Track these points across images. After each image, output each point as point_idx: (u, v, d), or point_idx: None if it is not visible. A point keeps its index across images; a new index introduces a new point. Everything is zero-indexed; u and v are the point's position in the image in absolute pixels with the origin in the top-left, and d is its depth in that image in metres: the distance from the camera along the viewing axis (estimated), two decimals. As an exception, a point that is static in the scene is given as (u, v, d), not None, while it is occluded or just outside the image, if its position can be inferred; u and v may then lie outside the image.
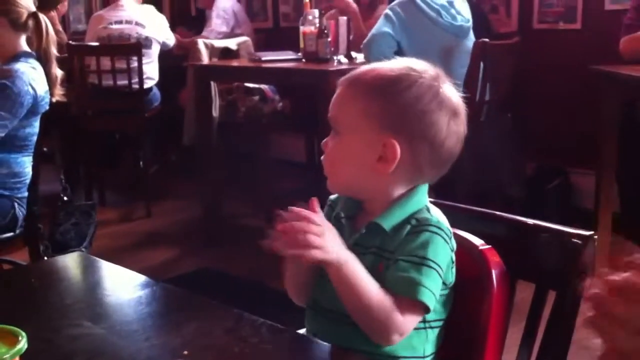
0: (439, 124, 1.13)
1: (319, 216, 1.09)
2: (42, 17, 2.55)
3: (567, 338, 1.15)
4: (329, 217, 1.23)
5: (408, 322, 1.08)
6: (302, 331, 1.21)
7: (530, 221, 1.22)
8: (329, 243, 1.06)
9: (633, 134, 3.09)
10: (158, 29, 4.69)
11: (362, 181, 1.16)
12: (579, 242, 1.13)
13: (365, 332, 1.09)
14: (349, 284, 1.06)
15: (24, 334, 0.82)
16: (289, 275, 1.22)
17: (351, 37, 3.89)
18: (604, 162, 3.21)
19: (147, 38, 4.55)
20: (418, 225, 1.12)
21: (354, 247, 1.13)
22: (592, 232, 1.15)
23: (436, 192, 1.27)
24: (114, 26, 4.57)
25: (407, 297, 1.07)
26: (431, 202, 1.20)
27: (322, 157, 1.20)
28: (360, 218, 1.19)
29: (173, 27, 5.16)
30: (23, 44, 2.57)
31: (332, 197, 1.27)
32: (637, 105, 3.10)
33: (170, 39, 4.82)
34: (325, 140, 1.19)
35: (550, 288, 1.17)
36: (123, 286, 1.30)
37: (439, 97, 1.13)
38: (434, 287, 1.08)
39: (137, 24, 4.59)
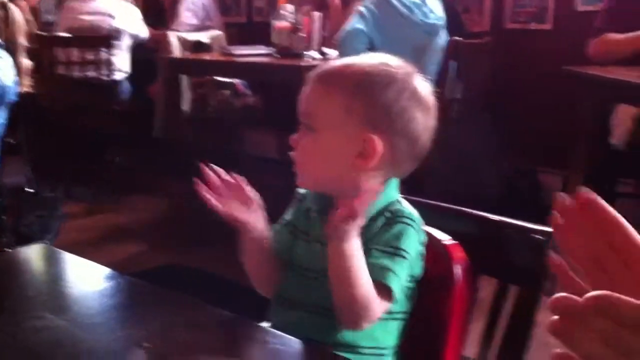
0: (416, 120, 1.15)
1: None
2: (12, 6, 2.52)
3: (528, 333, 1.17)
4: (298, 211, 1.24)
5: (380, 307, 1.10)
6: (267, 324, 1.20)
7: (495, 217, 1.23)
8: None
9: (601, 132, 3.13)
10: (130, 21, 4.64)
11: (338, 177, 1.16)
12: (543, 238, 1.15)
13: (340, 314, 1.10)
14: (346, 262, 1.06)
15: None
16: (252, 267, 1.22)
17: (325, 33, 3.89)
18: (573, 163, 3.25)
19: (118, 30, 4.50)
20: (392, 217, 1.14)
21: (326, 241, 1.14)
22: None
23: (407, 189, 1.27)
24: (85, 17, 4.52)
25: (377, 281, 1.09)
26: (401, 197, 1.21)
27: (291, 153, 1.19)
28: (330, 210, 1.19)
29: (147, 21, 5.11)
30: (-10, 34, 2.54)
31: (301, 191, 1.26)
32: (609, 107, 3.14)
33: (143, 32, 4.77)
34: (294, 136, 1.18)
35: (514, 283, 1.19)
36: (86, 278, 1.29)
37: (416, 94, 1.15)
38: (402, 275, 1.11)
39: (108, 15, 4.54)
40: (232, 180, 1.17)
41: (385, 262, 1.10)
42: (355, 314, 1.09)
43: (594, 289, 0.56)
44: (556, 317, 0.58)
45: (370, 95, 1.13)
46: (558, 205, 0.65)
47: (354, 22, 3.44)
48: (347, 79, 1.14)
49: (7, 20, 2.48)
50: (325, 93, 1.15)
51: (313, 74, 1.19)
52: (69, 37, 4.38)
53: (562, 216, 0.65)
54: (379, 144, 1.12)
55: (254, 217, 1.17)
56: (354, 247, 1.07)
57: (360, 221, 1.06)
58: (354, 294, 1.07)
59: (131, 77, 4.63)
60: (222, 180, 1.17)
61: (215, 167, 1.17)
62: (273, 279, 1.22)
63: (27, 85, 2.53)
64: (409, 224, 1.13)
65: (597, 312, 0.56)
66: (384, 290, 1.09)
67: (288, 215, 1.26)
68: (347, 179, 1.14)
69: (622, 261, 0.63)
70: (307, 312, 1.16)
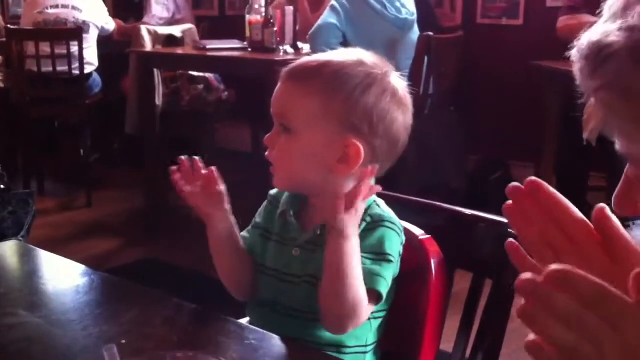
0: (397, 121, 1.14)
1: None
2: None
3: (503, 326, 1.18)
4: (270, 213, 1.23)
5: (368, 311, 1.10)
6: (244, 321, 1.20)
7: (468, 211, 1.24)
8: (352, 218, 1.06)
9: (572, 128, 3.17)
10: (96, 13, 4.58)
11: (316, 179, 1.13)
12: (514, 231, 1.16)
13: (325, 316, 1.08)
14: (343, 261, 1.04)
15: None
16: (226, 272, 1.21)
17: (297, 27, 3.88)
18: (543, 156, 3.29)
19: (84, 22, 4.44)
20: (372, 222, 1.13)
21: (306, 244, 1.14)
22: (527, 222, 1.17)
23: (379, 184, 1.28)
24: (50, 10, 4.46)
25: (367, 287, 1.08)
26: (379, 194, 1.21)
27: (267, 154, 1.16)
28: (308, 214, 1.19)
29: (115, 14, 5.06)
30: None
31: (273, 192, 1.24)
32: (576, 102, 3.17)
33: (110, 24, 4.72)
34: (269, 136, 1.15)
35: (487, 276, 1.20)
36: (60, 275, 1.28)
37: (396, 95, 1.14)
38: (388, 278, 1.11)
39: (73, 8, 4.48)
40: (205, 172, 1.16)
41: (374, 267, 1.10)
42: (342, 316, 1.07)
43: (544, 267, 0.58)
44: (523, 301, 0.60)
45: (350, 97, 1.10)
46: (509, 192, 0.70)
47: (326, 17, 3.45)
48: (324, 79, 1.11)
49: None
50: (302, 93, 1.12)
51: (286, 71, 1.15)
52: (39, 31, 4.32)
53: (513, 201, 0.71)
54: (361, 150, 1.10)
55: (219, 211, 1.16)
56: (353, 245, 1.06)
57: (359, 218, 1.06)
58: (345, 298, 1.05)
59: (102, 71, 4.59)
60: (196, 170, 1.16)
61: (193, 157, 1.17)
62: (244, 283, 1.21)
63: (-3, 80, 2.49)
64: (390, 228, 1.13)
65: (557, 288, 0.58)
66: (372, 295, 1.09)
67: (259, 218, 1.24)
68: (326, 182, 1.13)
69: (568, 238, 0.69)
70: (284, 315, 1.15)
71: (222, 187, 1.16)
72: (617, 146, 0.67)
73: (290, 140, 1.12)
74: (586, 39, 0.64)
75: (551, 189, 0.69)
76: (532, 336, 0.61)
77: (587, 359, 0.58)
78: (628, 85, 0.61)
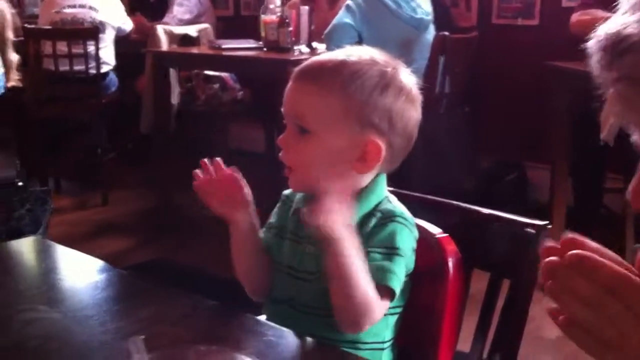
0: (413, 118, 1.15)
1: None
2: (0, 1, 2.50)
3: (520, 326, 1.18)
4: (284, 212, 1.23)
5: (381, 309, 1.09)
6: (262, 317, 1.21)
7: (485, 210, 1.24)
8: (340, 220, 1.03)
9: (586, 128, 3.15)
10: (113, 13, 4.61)
11: (334, 179, 1.11)
12: (532, 231, 1.16)
13: (340, 318, 1.08)
14: (342, 264, 1.03)
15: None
16: (246, 271, 1.21)
17: (312, 27, 3.89)
18: (558, 157, 3.27)
19: (101, 22, 4.47)
20: (383, 217, 1.13)
21: (318, 242, 1.14)
22: (545, 222, 1.17)
23: (392, 183, 1.28)
24: (67, 10, 4.48)
25: (377, 283, 1.07)
26: (390, 191, 1.21)
27: (281, 155, 1.15)
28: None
29: (131, 14, 5.08)
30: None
31: (287, 191, 1.24)
32: (590, 100, 3.15)
33: (127, 24, 4.74)
34: (282, 137, 1.14)
35: (505, 277, 1.20)
36: (78, 271, 1.29)
37: (410, 92, 1.14)
38: (400, 274, 1.10)
39: (90, 7, 4.50)
40: (228, 172, 1.16)
41: (384, 263, 1.09)
42: (354, 317, 1.07)
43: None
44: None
45: (370, 96, 1.10)
46: (544, 253, 0.65)
47: (342, 16, 3.45)
48: (343, 78, 1.10)
49: None
50: (320, 92, 1.11)
51: (300, 71, 1.14)
52: (56, 30, 4.34)
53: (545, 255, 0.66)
54: (382, 147, 1.11)
55: (242, 213, 1.16)
56: (348, 244, 1.03)
57: (347, 218, 1.03)
58: (353, 298, 1.04)
59: (118, 71, 4.61)
60: (218, 172, 1.16)
61: (214, 159, 1.17)
62: (262, 282, 1.21)
63: (15, 80, 2.50)
64: (401, 223, 1.12)
65: (576, 272, 0.59)
66: (385, 291, 1.09)
67: (273, 218, 1.24)
68: (343, 180, 1.12)
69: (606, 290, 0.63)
70: (299, 312, 1.15)
71: (247, 191, 1.16)
72: (633, 139, 0.66)
73: (308, 142, 1.11)
74: (604, 30, 0.64)
75: (586, 240, 0.65)
76: (562, 316, 0.63)
77: (609, 343, 0.60)
78: None
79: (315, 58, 1.17)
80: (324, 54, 1.18)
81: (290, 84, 1.15)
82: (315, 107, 1.11)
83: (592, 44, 0.65)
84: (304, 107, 1.12)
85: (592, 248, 0.64)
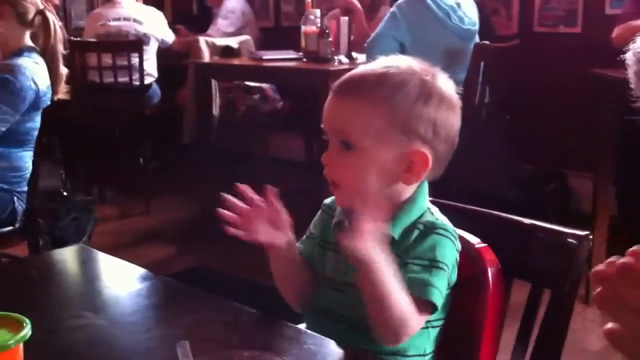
0: (455, 125, 1.15)
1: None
2: (50, 14, 2.56)
3: (561, 337, 1.17)
4: (325, 223, 1.23)
5: (419, 322, 1.09)
6: (302, 326, 1.21)
7: (527, 221, 1.23)
8: (372, 243, 1.02)
9: (631, 137, 3.10)
10: (156, 26, 4.70)
11: (382, 192, 1.12)
12: (574, 241, 1.15)
13: (378, 333, 1.07)
14: (376, 285, 1.03)
15: (28, 321, 0.83)
16: (281, 282, 1.21)
17: (352, 37, 3.90)
18: (601, 165, 3.23)
19: (145, 35, 4.56)
20: (425, 229, 1.13)
21: (353, 262, 1.14)
22: (587, 232, 1.16)
23: (432, 192, 1.28)
24: (112, 23, 4.59)
25: (418, 297, 1.07)
26: (431, 201, 1.21)
27: (326, 172, 1.13)
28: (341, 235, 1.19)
29: (174, 26, 5.17)
30: (27, 39, 2.58)
31: (327, 201, 1.24)
32: (634, 108, 3.10)
33: (169, 36, 4.82)
34: (327, 155, 1.12)
35: (546, 287, 1.19)
36: (122, 279, 1.31)
37: (451, 99, 1.14)
38: (442, 287, 1.09)
39: (135, 20, 4.60)
40: (259, 199, 1.13)
41: (424, 276, 1.08)
42: (389, 332, 1.07)
43: None
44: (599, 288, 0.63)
45: (414, 106, 1.10)
46: (595, 278, 0.65)
47: (385, 26, 3.43)
48: (387, 91, 1.09)
49: (47, 27, 2.52)
50: (363, 106, 1.10)
51: (339, 85, 1.13)
52: (101, 42, 4.44)
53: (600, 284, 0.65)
54: (429, 157, 1.11)
55: (280, 237, 1.14)
56: (382, 265, 1.03)
57: (381, 239, 1.02)
58: (388, 315, 1.04)
59: (161, 83, 4.69)
60: (248, 201, 1.13)
61: (240, 187, 1.13)
62: (303, 294, 1.21)
63: (63, 93, 2.56)
64: (444, 235, 1.12)
65: (626, 281, 0.60)
66: (426, 305, 1.08)
67: (314, 229, 1.25)
68: (390, 192, 1.13)
69: None
70: (340, 323, 1.15)
71: (282, 210, 1.14)
72: None
73: (354, 157, 1.10)
74: None
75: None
76: (609, 325, 0.63)
77: None
78: None
79: (354, 71, 1.16)
80: (362, 67, 1.17)
81: (330, 98, 1.14)
82: (360, 121, 1.10)
83: (630, 55, 0.65)
84: (348, 122, 1.11)
85: None
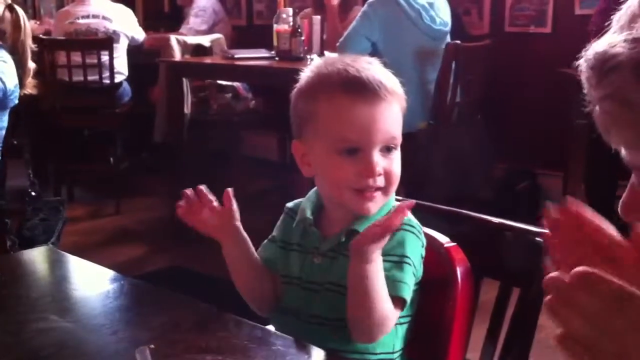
0: None
1: None
2: (19, 9, 2.52)
3: (530, 335, 1.17)
4: (287, 224, 1.23)
5: (393, 319, 1.10)
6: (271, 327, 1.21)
7: (495, 220, 1.24)
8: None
9: (600, 137, 3.14)
10: (126, 24, 4.65)
11: None
12: (543, 240, 1.15)
13: (354, 328, 1.09)
14: (369, 281, 1.05)
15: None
16: (246, 289, 1.22)
17: (325, 36, 3.90)
18: (571, 164, 3.27)
19: (114, 32, 4.51)
20: None
21: (328, 252, 1.15)
22: (555, 232, 1.16)
23: (406, 193, 1.28)
24: (81, 21, 4.53)
25: (390, 294, 1.09)
26: (397, 199, 1.21)
27: (377, 181, 1.12)
28: (327, 223, 1.20)
29: (146, 25, 5.12)
30: (-6, 36, 2.54)
31: (290, 205, 1.25)
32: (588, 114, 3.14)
33: (139, 34, 4.78)
34: (375, 162, 1.11)
35: (515, 286, 1.19)
36: (90, 280, 1.30)
37: None
38: (410, 283, 1.11)
39: (104, 18, 4.55)
40: (210, 196, 1.18)
41: (395, 273, 1.10)
42: (371, 329, 1.09)
43: None
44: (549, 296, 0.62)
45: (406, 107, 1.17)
46: (548, 220, 0.68)
47: (356, 25, 3.43)
48: (398, 92, 1.15)
49: (16, 23, 2.48)
50: (398, 107, 1.14)
51: (371, 90, 1.11)
52: (71, 40, 4.39)
53: (551, 228, 0.69)
54: None
55: (231, 231, 1.18)
56: (376, 268, 1.06)
57: (384, 243, 1.05)
58: (372, 313, 1.06)
59: (132, 81, 4.65)
60: (202, 199, 1.18)
61: (198, 187, 1.19)
62: (265, 296, 1.21)
63: (30, 87, 2.52)
64: (410, 231, 1.14)
65: (579, 287, 0.60)
66: (397, 302, 1.10)
67: (276, 232, 1.25)
68: None
69: (609, 260, 0.66)
70: (307, 323, 1.15)
71: (234, 205, 1.18)
72: (622, 155, 0.67)
73: (398, 157, 1.15)
74: (593, 49, 0.65)
75: (589, 213, 0.67)
76: (559, 330, 0.63)
77: (611, 358, 0.60)
78: (630, 97, 0.62)
79: (366, 73, 1.13)
80: (362, 66, 1.14)
81: (357, 103, 1.11)
82: (399, 122, 1.14)
83: (582, 62, 0.66)
84: (396, 126, 1.14)
85: (590, 218, 0.66)
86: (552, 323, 0.63)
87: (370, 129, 1.11)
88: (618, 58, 0.62)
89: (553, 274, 0.63)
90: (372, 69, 1.14)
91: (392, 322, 1.10)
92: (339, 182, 1.13)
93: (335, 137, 1.11)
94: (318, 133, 1.14)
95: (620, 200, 0.71)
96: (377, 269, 1.06)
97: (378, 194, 1.13)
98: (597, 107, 0.67)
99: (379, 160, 1.11)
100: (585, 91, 0.68)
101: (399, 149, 1.15)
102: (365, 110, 1.11)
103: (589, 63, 0.65)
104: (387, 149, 1.13)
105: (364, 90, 1.11)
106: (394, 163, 1.14)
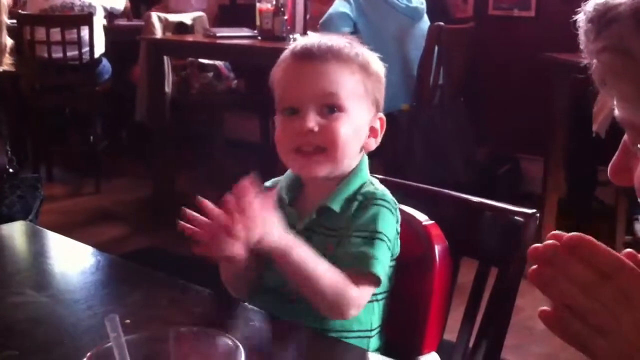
0: None
1: (259, 201, 1.01)
2: None
3: (507, 315, 1.18)
4: None
5: (364, 294, 1.09)
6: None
7: (475, 199, 1.24)
8: (274, 230, 1.02)
9: (582, 122, 3.15)
10: None
11: (352, 159, 1.16)
12: (522, 219, 1.16)
13: (321, 311, 1.08)
14: (299, 269, 1.04)
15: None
16: (229, 282, 1.19)
17: (308, 16, 3.87)
18: (552, 149, 3.28)
19: (90, 5, 4.43)
20: (364, 200, 1.14)
21: (304, 231, 1.14)
22: (534, 210, 1.17)
23: (387, 173, 1.27)
24: None
25: (361, 270, 1.08)
26: (378, 178, 1.21)
27: (311, 138, 1.11)
28: (303, 201, 1.19)
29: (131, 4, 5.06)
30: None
31: (268, 183, 1.23)
32: (586, 94, 3.16)
33: (118, 4, 4.71)
34: (309, 119, 1.10)
35: (493, 265, 1.20)
36: (67, 256, 1.29)
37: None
38: (384, 259, 1.10)
39: None
40: (218, 211, 1.03)
41: (366, 248, 1.09)
42: (332, 309, 1.08)
43: None
44: (535, 266, 0.61)
45: (378, 76, 1.17)
46: (531, 256, 0.64)
47: (337, 5, 3.43)
48: (360, 60, 1.15)
49: None
50: (345, 71, 1.14)
51: (310, 50, 1.13)
52: (51, 16, 4.32)
53: (537, 265, 0.64)
54: (384, 123, 1.19)
55: (236, 250, 1.03)
56: (299, 253, 1.03)
57: (279, 222, 1.02)
58: (323, 294, 1.05)
59: (112, 60, 4.59)
60: (209, 214, 1.04)
61: (203, 203, 1.03)
62: (251, 284, 1.20)
63: (7, 64, 2.48)
64: (383, 206, 1.13)
65: (574, 255, 0.59)
66: (369, 277, 1.09)
67: None
68: (353, 160, 1.16)
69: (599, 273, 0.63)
70: (286, 302, 1.14)
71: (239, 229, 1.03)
72: (616, 112, 0.66)
73: (340, 120, 1.12)
74: (593, 2, 0.64)
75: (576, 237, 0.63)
76: (546, 307, 0.63)
77: (602, 328, 0.60)
78: (630, 46, 0.61)
79: (315, 39, 1.17)
80: (315, 35, 1.21)
81: (300, 64, 1.14)
82: (344, 84, 1.13)
83: (582, 15, 0.66)
84: (335, 85, 1.13)
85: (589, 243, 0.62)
86: (530, 304, 0.63)
87: (304, 86, 1.13)
88: (618, 9, 0.61)
89: (538, 244, 0.62)
90: (333, 40, 1.17)
91: (357, 296, 1.07)
92: (282, 144, 1.15)
93: (279, 99, 1.16)
94: (275, 101, 1.17)
95: (611, 163, 0.70)
96: (300, 253, 1.03)
97: (320, 156, 1.12)
98: (594, 61, 0.65)
99: (315, 118, 1.12)
100: (582, 46, 0.66)
101: (348, 113, 1.12)
102: (304, 70, 1.14)
103: (588, 15, 0.64)
104: (328, 110, 1.12)
105: (309, 54, 1.14)
106: (337, 124, 1.12)
